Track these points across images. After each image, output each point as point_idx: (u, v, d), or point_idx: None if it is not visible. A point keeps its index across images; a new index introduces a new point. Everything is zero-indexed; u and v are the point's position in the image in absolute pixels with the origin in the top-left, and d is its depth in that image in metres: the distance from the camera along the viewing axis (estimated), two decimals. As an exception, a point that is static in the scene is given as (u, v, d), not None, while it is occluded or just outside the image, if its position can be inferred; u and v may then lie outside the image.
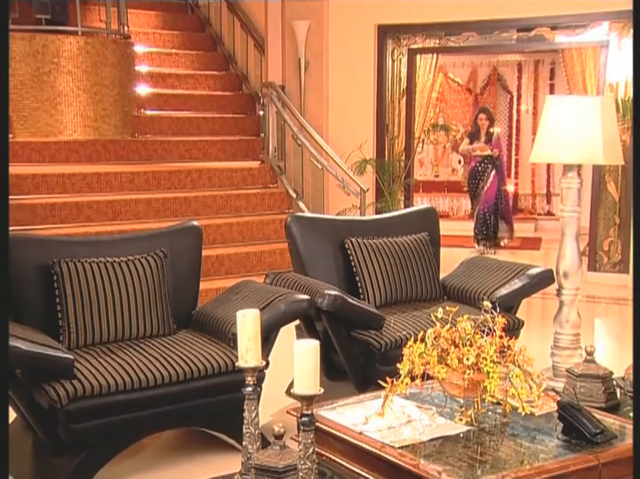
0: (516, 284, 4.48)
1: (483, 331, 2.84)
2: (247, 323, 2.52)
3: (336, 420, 2.91)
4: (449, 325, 2.89)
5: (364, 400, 3.12)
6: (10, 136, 7.35)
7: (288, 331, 4.12)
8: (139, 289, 3.84)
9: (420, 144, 10.77)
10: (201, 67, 9.79)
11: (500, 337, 2.83)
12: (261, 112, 8.41)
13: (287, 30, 8.49)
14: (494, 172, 10.04)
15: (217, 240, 7.08)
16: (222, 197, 7.54)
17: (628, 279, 7.47)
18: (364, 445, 2.73)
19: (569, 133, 4.13)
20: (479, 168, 10.09)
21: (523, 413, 2.76)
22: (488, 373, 2.74)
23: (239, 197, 7.69)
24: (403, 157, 8.59)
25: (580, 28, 7.86)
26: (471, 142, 10.22)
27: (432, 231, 4.84)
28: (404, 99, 8.59)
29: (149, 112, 8.81)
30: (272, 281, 4.32)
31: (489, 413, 2.93)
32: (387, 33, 8.36)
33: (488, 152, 10.05)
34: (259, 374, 2.91)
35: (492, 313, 2.86)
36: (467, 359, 2.75)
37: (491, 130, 10.23)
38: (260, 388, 3.50)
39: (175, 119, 8.80)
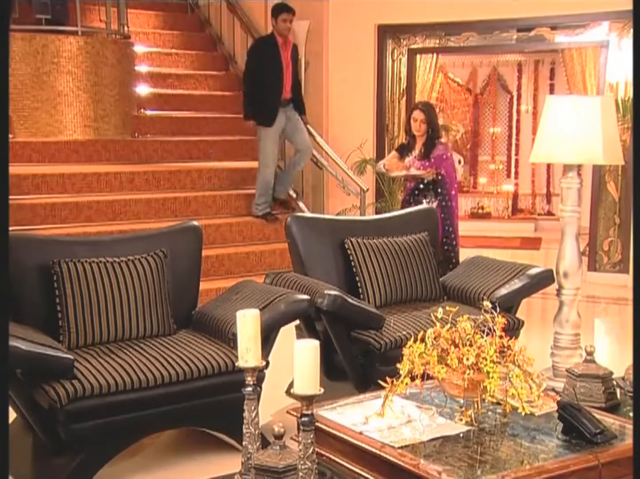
0: (516, 284, 4.49)
1: (483, 331, 2.84)
2: (247, 323, 2.52)
3: (336, 420, 2.91)
4: (449, 325, 2.89)
5: (364, 400, 3.12)
6: (10, 136, 7.35)
7: (288, 331, 4.12)
8: (139, 289, 3.84)
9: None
10: (201, 67, 9.79)
11: (500, 337, 2.83)
12: (261, 113, 8.40)
13: (287, 30, 8.49)
14: (435, 205, 6.31)
15: (217, 240, 7.08)
16: (222, 197, 7.54)
17: (628, 279, 7.47)
18: (364, 445, 2.73)
19: (569, 133, 4.13)
20: (411, 200, 6.50)
21: (523, 413, 2.76)
22: (488, 373, 2.74)
23: (239, 197, 7.69)
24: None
25: (580, 28, 7.86)
26: (402, 157, 6.58)
27: (432, 231, 4.84)
28: (404, 99, 8.59)
29: (149, 112, 8.81)
30: (272, 281, 4.32)
31: (489, 413, 2.93)
32: (387, 33, 8.36)
33: (417, 172, 6.39)
34: (259, 374, 2.91)
35: (492, 313, 2.86)
36: (467, 359, 2.75)
37: (442, 136, 6.78)
38: (260, 388, 3.50)
39: (175, 119, 8.80)
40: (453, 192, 6.48)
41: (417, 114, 6.37)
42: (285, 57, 7.28)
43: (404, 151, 6.59)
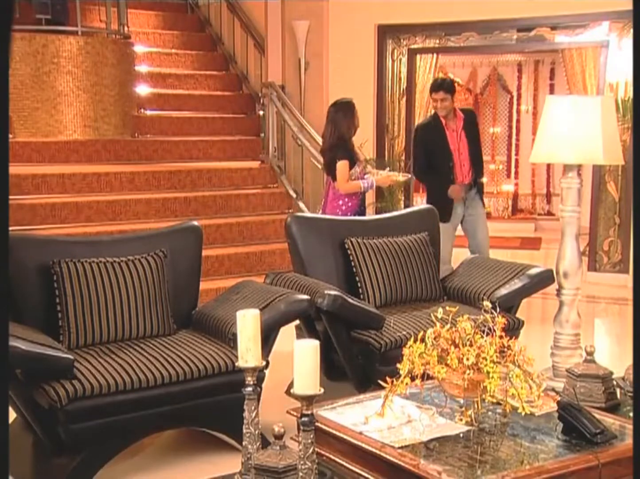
0: (516, 284, 4.49)
1: (483, 331, 2.84)
2: (247, 323, 2.52)
3: (336, 420, 2.91)
4: (449, 325, 2.89)
5: (364, 400, 3.12)
6: (10, 136, 7.35)
7: (288, 331, 4.12)
8: (139, 289, 3.84)
9: (420, 144, 10.73)
10: (201, 67, 9.80)
11: (500, 337, 2.83)
12: (261, 112, 8.42)
13: (287, 30, 8.49)
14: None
15: (217, 240, 7.07)
16: (222, 198, 7.54)
17: (628, 279, 7.47)
18: (364, 445, 2.73)
19: (569, 133, 4.13)
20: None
21: (523, 413, 2.76)
22: (488, 373, 2.74)
23: (239, 197, 7.68)
24: (403, 157, 8.59)
25: (580, 28, 7.86)
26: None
27: (432, 231, 4.84)
28: (404, 99, 8.58)
29: (149, 112, 8.82)
30: (272, 281, 4.32)
31: (489, 413, 2.93)
32: (387, 33, 8.36)
33: (405, 177, 5.98)
34: (259, 374, 2.91)
35: (492, 313, 2.86)
36: (467, 359, 2.75)
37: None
38: (260, 388, 3.51)
39: (175, 119, 8.80)
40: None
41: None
42: (452, 138, 6.31)
43: (344, 149, 5.61)
